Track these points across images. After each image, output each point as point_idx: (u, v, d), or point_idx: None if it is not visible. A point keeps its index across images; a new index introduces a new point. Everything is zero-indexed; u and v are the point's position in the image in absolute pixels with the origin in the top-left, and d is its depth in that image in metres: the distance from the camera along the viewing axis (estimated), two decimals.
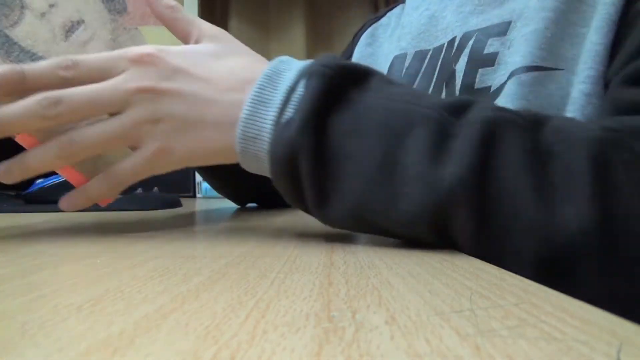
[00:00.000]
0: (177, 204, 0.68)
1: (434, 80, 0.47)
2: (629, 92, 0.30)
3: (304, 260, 0.21)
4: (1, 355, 0.09)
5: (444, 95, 0.44)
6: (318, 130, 0.26)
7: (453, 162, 0.23)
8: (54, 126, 0.29)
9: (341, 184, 0.26)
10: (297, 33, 1.95)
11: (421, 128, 0.24)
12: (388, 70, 0.55)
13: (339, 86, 0.27)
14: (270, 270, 0.19)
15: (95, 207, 0.59)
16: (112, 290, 0.15)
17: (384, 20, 0.64)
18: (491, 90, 0.40)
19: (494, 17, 0.43)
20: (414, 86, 0.50)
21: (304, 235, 0.31)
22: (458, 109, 0.25)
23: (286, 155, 0.26)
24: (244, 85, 0.29)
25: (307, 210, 0.29)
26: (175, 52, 0.31)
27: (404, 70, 0.52)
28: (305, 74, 0.27)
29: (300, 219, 0.46)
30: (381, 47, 0.62)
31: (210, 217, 0.50)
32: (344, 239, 0.29)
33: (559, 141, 0.23)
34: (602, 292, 0.21)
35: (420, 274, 0.18)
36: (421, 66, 0.50)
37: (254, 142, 0.28)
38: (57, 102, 0.28)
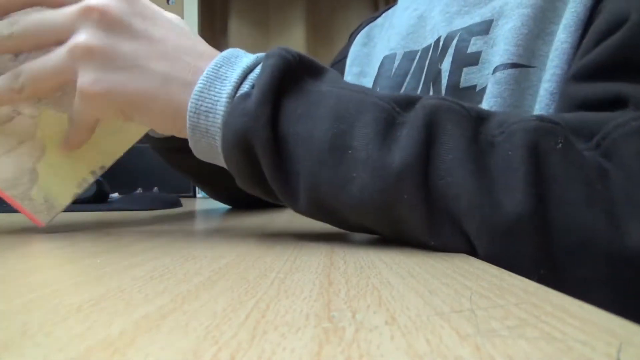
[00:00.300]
0: (177, 204, 0.68)
1: (422, 80, 0.47)
2: (579, 87, 0.30)
3: (304, 260, 0.21)
4: (1, 355, 0.09)
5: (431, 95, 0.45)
6: (274, 106, 0.26)
7: (399, 149, 0.23)
8: (8, 49, 0.30)
9: (295, 164, 0.26)
10: (297, 33, 1.95)
11: (370, 114, 0.25)
12: (378, 70, 0.55)
13: (295, 72, 0.27)
14: (270, 270, 0.19)
15: (95, 207, 0.59)
16: (112, 290, 0.15)
17: (379, 20, 0.64)
18: (477, 90, 0.40)
19: (476, 16, 0.43)
20: (403, 86, 0.50)
21: (304, 235, 0.31)
22: (408, 102, 0.26)
23: (242, 127, 0.26)
24: (202, 55, 0.29)
25: (263, 194, 0.29)
26: (148, 3, 0.31)
27: (393, 70, 0.53)
28: (263, 56, 0.28)
29: (300, 219, 0.46)
30: (375, 47, 0.62)
31: (210, 217, 0.50)
32: (344, 239, 0.29)
33: (500, 133, 0.24)
34: (540, 278, 0.22)
35: (420, 274, 0.18)
36: (410, 66, 0.50)
37: (207, 116, 0.27)
38: (13, 22, 0.29)
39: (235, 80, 0.27)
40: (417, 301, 0.14)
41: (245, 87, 0.27)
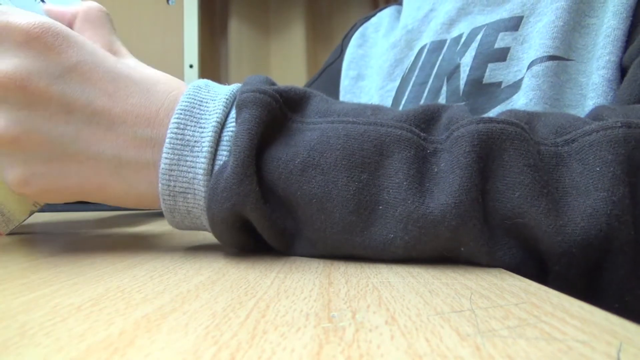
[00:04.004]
0: None
1: (433, 74, 0.47)
2: None
3: (304, 260, 0.21)
4: (1, 355, 0.09)
5: (444, 89, 0.44)
6: (263, 171, 0.22)
7: (445, 193, 0.20)
8: None
9: (308, 230, 0.22)
10: (297, 33, 1.95)
11: (396, 155, 0.21)
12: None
13: (278, 115, 0.23)
14: (270, 270, 0.19)
15: (95, 207, 0.59)
16: (112, 290, 0.15)
17: (373, 20, 0.64)
18: (502, 87, 0.40)
19: (503, 11, 0.43)
20: (411, 80, 0.49)
21: None
22: (429, 119, 0.23)
23: (229, 211, 0.21)
24: (157, 110, 0.23)
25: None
26: (76, 42, 0.23)
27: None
28: (235, 104, 0.23)
29: None
30: (373, 47, 0.61)
31: None
32: None
33: (565, 142, 0.21)
34: (623, 305, 0.20)
35: (420, 273, 0.18)
36: (418, 61, 0.50)
37: (185, 198, 0.22)
38: None
39: (208, 149, 0.22)
40: (417, 301, 0.14)
41: (223, 154, 0.22)
